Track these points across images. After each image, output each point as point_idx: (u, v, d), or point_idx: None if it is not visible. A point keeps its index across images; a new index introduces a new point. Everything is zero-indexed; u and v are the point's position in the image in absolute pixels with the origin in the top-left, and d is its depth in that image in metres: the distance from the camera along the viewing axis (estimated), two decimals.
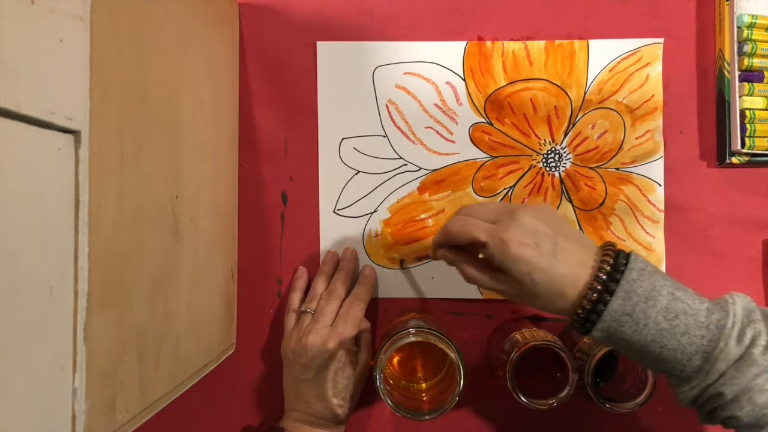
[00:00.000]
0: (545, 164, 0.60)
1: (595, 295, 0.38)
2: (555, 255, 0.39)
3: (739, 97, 0.58)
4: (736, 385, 0.36)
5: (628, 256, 0.39)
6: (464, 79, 0.60)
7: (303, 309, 0.57)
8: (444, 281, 0.60)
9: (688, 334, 0.37)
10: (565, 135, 0.60)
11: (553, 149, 0.60)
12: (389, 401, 0.49)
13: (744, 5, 0.58)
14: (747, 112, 0.57)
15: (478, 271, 0.43)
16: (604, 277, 0.38)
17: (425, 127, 0.60)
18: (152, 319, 0.39)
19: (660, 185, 0.60)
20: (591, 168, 0.60)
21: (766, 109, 0.58)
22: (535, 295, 0.40)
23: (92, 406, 0.30)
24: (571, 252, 0.39)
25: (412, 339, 0.49)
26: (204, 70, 0.49)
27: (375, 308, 0.61)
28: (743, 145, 0.57)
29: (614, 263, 0.38)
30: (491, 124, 0.60)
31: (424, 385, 0.56)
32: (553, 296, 0.39)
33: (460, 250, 0.45)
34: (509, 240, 0.39)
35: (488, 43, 0.60)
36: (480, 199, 0.60)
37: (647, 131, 0.60)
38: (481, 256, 0.43)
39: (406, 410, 0.50)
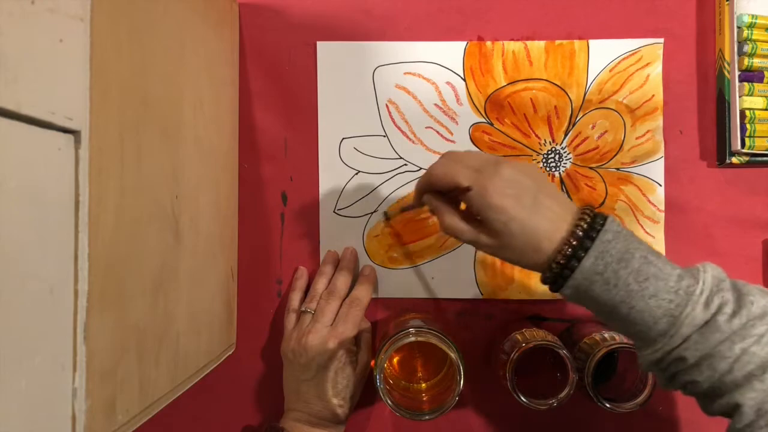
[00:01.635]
0: (545, 164, 0.60)
1: (569, 250, 0.38)
2: (534, 208, 0.39)
3: (739, 97, 0.58)
4: (699, 350, 0.36)
5: (605, 218, 0.39)
6: (464, 79, 0.60)
7: (303, 309, 0.57)
8: (444, 281, 0.60)
9: (656, 297, 0.37)
10: (566, 135, 0.60)
11: (553, 149, 0.60)
12: (389, 401, 0.49)
13: (744, 5, 0.58)
14: (747, 112, 0.57)
15: (459, 220, 0.43)
16: (580, 233, 0.38)
17: (425, 127, 0.60)
18: (152, 319, 0.39)
19: (660, 185, 0.60)
20: (591, 168, 0.60)
21: (766, 109, 0.58)
22: (511, 247, 0.40)
23: (92, 406, 0.30)
24: (550, 207, 0.40)
25: (412, 339, 0.49)
26: (204, 70, 0.49)
27: (375, 308, 0.61)
28: (743, 145, 0.57)
29: (591, 222, 0.39)
30: (491, 124, 0.60)
31: (424, 385, 0.56)
32: (527, 249, 0.40)
33: (443, 197, 0.45)
34: (491, 188, 0.40)
35: (488, 43, 0.60)
36: None
37: (647, 131, 0.60)
38: (463, 206, 0.44)
39: (406, 410, 0.50)
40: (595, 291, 0.38)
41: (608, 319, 0.40)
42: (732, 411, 0.36)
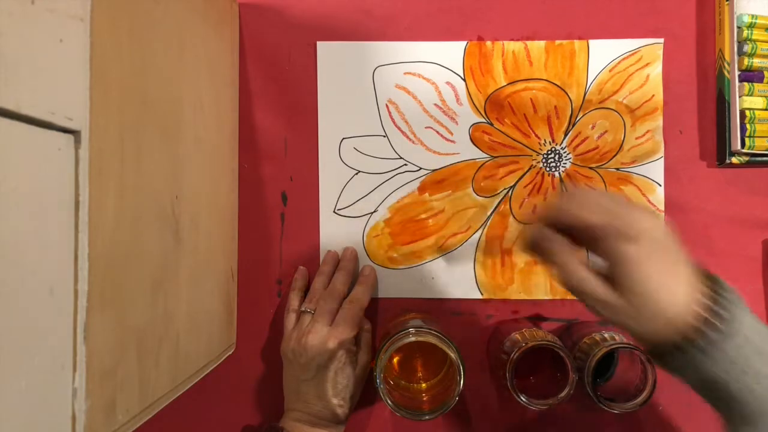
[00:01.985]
0: (545, 164, 0.60)
1: (707, 329, 0.34)
2: (675, 269, 0.34)
3: (739, 97, 0.58)
4: None
5: (735, 292, 0.35)
6: (464, 79, 0.60)
7: (303, 309, 0.57)
8: (444, 281, 0.60)
9: None
10: (565, 135, 0.60)
11: (553, 149, 0.60)
12: (389, 401, 0.49)
13: (744, 5, 0.58)
14: (747, 112, 0.57)
15: (589, 272, 0.36)
16: (719, 309, 0.34)
17: (425, 127, 0.60)
18: (152, 319, 0.39)
19: (660, 185, 0.60)
20: (591, 168, 0.60)
21: (766, 109, 0.58)
22: (638, 310, 0.35)
23: (92, 406, 0.30)
24: (686, 272, 0.35)
25: (412, 339, 0.49)
26: (204, 70, 0.49)
27: (375, 308, 0.61)
28: (743, 145, 0.57)
29: (726, 297, 0.35)
30: (491, 124, 0.60)
31: (424, 385, 0.56)
32: (656, 317, 0.35)
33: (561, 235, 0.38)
34: (640, 236, 0.34)
35: (488, 43, 0.60)
36: (480, 199, 0.60)
37: (647, 131, 0.60)
38: (587, 256, 0.37)
39: (406, 410, 0.50)
40: (713, 371, 0.34)
41: (708, 392, 0.36)
42: None
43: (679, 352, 0.35)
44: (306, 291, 0.60)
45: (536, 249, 0.39)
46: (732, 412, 0.36)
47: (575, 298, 0.38)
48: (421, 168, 0.60)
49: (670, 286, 0.34)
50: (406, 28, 0.60)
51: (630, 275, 0.34)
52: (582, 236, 0.37)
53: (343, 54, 0.60)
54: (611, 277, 0.36)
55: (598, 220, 0.35)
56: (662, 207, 0.60)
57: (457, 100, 0.60)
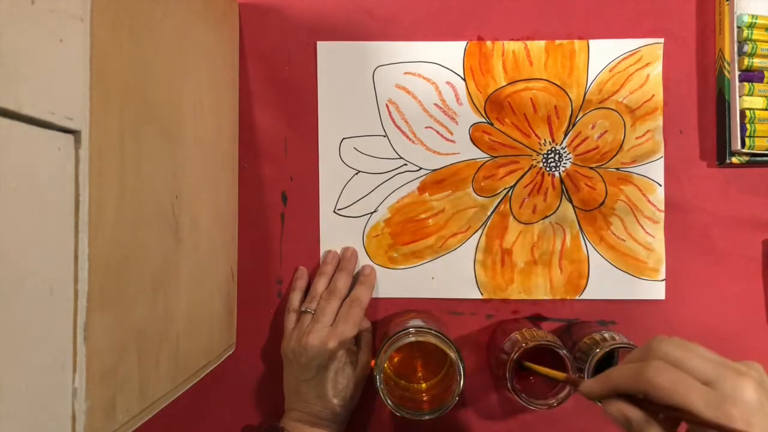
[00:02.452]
0: (545, 164, 0.60)
1: None
2: None
3: (739, 97, 0.57)
4: None
5: None
6: (464, 79, 0.60)
7: (303, 309, 0.57)
8: (444, 281, 0.60)
9: None
10: (566, 135, 0.60)
11: (553, 149, 0.60)
12: (389, 401, 0.49)
13: (744, 5, 0.58)
14: (747, 112, 0.57)
15: None
16: None
17: (425, 127, 0.60)
18: (152, 319, 0.39)
19: (660, 185, 0.60)
20: (591, 168, 0.60)
21: (766, 109, 0.58)
22: None
23: (92, 406, 0.30)
24: None
25: (412, 339, 0.49)
26: (204, 69, 0.49)
27: (375, 308, 0.61)
28: (743, 145, 0.57)
29: None
30: (491, 124, 0.60)
31: (424, 385, 0.56)
32: None
33: (643, 405, 0.34)
34: (736, 417, 0.30)
35: (488, 43, 0.60)
36: (480, 199, 0.60)
37: (647, 131, 0.60)
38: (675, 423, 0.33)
39: (406, 410, 0.50)
40: None
41: None
42: None
43: None
44: (306, 291, 0.60)
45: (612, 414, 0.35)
46: None
47: None
48: (421, 168, 0.60)
49: None
50: (406, 28, 0.60)
51: None
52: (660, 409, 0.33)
53: (343, 54, 0.60)
54: None
55: (707, 406, 0.31)
56: (662, 207, 0.60)
57: (457, 100, 0.60)
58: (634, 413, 0.34)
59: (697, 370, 0.33)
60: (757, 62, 0.57)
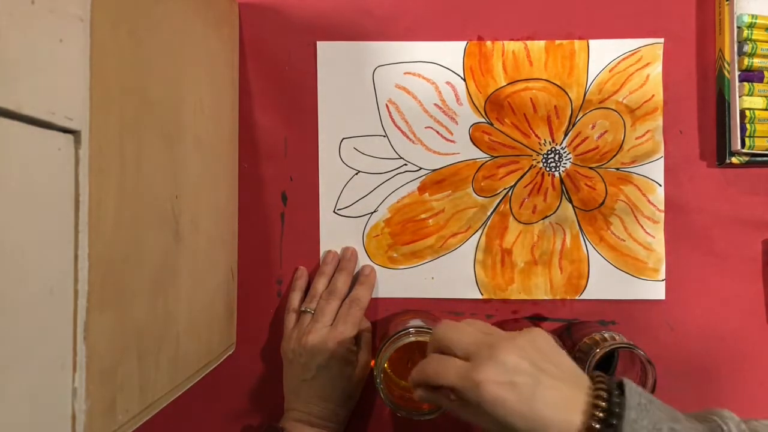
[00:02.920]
0: (545, 164, 0.60)
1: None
2: (536, 397, 0.34)
3: (739, 97, 0.57)
4: None
5: (622, 390, 0.34)
6: (464, 79, 0.60)
7: (303, 309, 0.57)
8: (444, 281, 0.60)
9: None
10: (565, 135, 0.60)
11: (553, 149, 0.60)
12: (389, 401, 0.49)
13: (744, 5, 0.58)
14: (747, 112, 0.57)
15: (460, 407, 0.38)
16: (598, 426, 0.33)
17: (425, 127, 0.60)
18: (152, 319, 0.39)
19: (660, 185, 0.60)
20: (591, 168, 0.60)
21: (766, 109, 0.58)
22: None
23: (92, 406, 0.30)
24: (557, 393, 0.34)
25: (412, 339, 0.49)
26: (204, 70, 0.49)
27: (375, 308, 0.61)
28: (743, 145, 0.57)
29: (608, 403, 0.34)
30: (491, 124, 0.60)
31: None
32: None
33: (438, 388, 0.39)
34: (482, 381, 0.34)
35: (488, 43, 0.60)
36: (480, 199, 0.60)
37: (647, 131, 0.60)
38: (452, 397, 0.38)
39: (406, 410, 0.50)
40: None
41: None
42: None
43: None
44: (306, 291, 0.60)
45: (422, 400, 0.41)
46: None
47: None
48: (421, 168, 0.60)
49: (537, 415, 0.34)
50: (406, 28, 0.60)
51: (491, 416, 0.34)
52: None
53: (343, 54, 0.60)
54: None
55: (441, 376, 0.37)
56: (662, 207, 0.60)
57: (457, 100, 0.60)
58: (424, 393, 0.39)
59: (459, 348, 0.37)
60: (757, 62, 0.57)
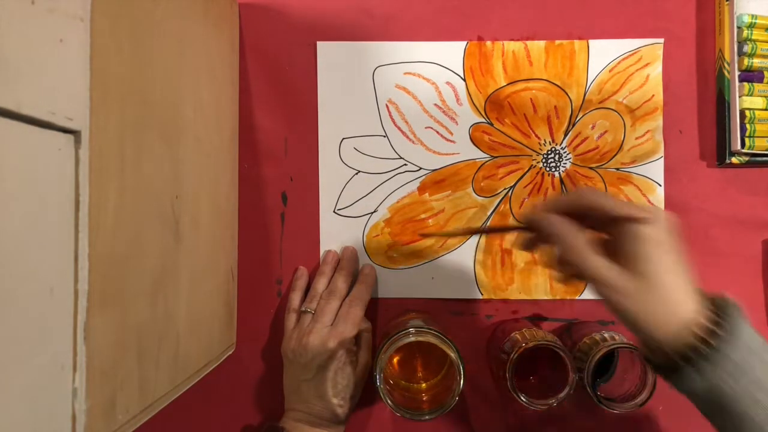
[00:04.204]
0: (545, 164, 0.60)
1: (715, 317, 0.34)
2: (682, 265, 0.36)
3: (739, 97, 0.58)
4: None
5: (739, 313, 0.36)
6: (464, 79, 0.60)
7: (303, 309, 0.57)
8: (444, 281, 0.60)
9: None
10: (565, 135, 0.60)
11: (553, 149, 0.60)
12: (389, 401, 0.49)
13: (744, 5, 0.58)
14: (747, 112, 0.57)
15: (597, 255, 0.36)
16: (722, 305, 0.35)
17: (425, 127, 0.60)
18: (152, 319, 0.39)
19: (660, 185, 0.60)
20: (591, 168, 0.60)
21: (766, 109, 0.58)
22: (650, 296, 0.35)
23: (92, 406, 0.30)
24: (688, 274, 0.36)
25: (412, 339, 0.49)
26: (204, 70, 0.49)
27: (375, 308, 0.61)
28: (743, 145, 0.57)
29: (724, 301, 0.36)
30: (491, 124, 0.60)
31: (424, 385, 0.56)
32: (666, 306, 0.35)
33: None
34: (657, 221, 0.35)
35: (488, 43, 0.60)
36: (480, 199, 0.60)
37: (647, 131, 0.60)
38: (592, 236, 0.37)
39: (406, 410, 0.50)
40: (717, 378, 0.34)
41: (711, 405, 0.35)
42: None
43: (687, 355, 0.34)
44: (306, 291, 0.60)
45: (540, 234, 0.40)
46: (741, 424, 0.35)
47: (582, 286, 0.40)
48: (421, 168, 0.60)
49: (678, 275, 0.35)
50: (406, 28, 0.60)
51: (646, 256, 0.35)
52: (593, 222, 0.38)
53: (343, 54, 0.60)
54: (621, 262, 0.36)
55: (617, 203, 0.37)
56: (662, 207, 0.60)
57: (457, 100, 0.60)
58: (558, 220, 0.38)
59: (616, 208, 0.37)
60: (756, 62, 0.57)
